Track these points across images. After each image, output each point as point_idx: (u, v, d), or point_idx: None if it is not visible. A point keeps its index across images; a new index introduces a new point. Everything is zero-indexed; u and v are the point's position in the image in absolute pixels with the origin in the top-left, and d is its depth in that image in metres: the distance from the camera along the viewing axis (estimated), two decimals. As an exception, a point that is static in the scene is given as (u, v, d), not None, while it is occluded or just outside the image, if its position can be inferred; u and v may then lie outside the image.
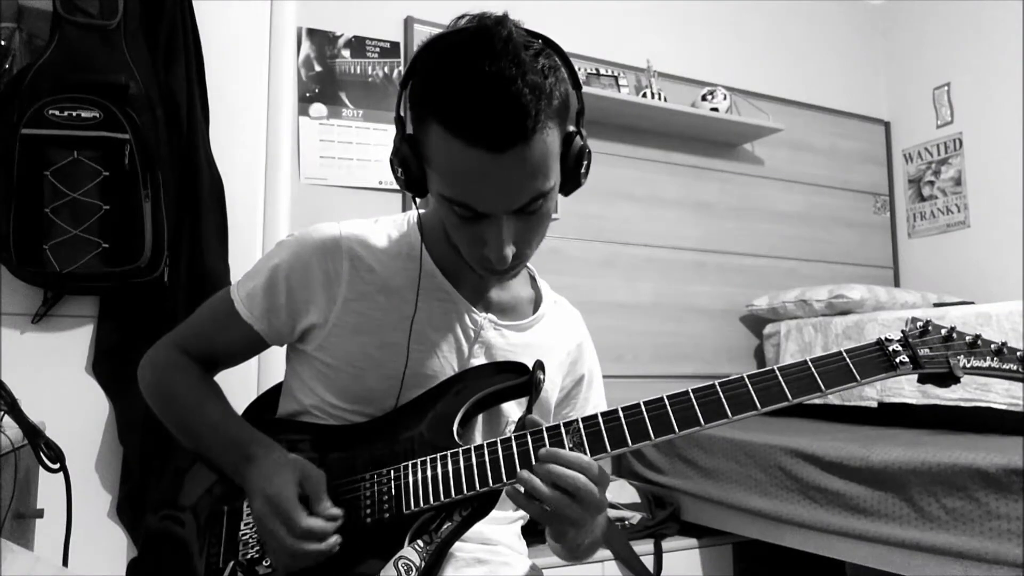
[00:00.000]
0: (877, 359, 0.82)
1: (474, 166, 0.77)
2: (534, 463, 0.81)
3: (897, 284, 3.27)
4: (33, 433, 1.10)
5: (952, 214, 3.12)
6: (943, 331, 0.83)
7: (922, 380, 0.84)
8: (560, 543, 0.90)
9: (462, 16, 0.82)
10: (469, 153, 0.76)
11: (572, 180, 0.87)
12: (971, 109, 3.07)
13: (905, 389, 2.18)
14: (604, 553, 2.05)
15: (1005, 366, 0.81)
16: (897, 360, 0.81)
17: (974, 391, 1.99)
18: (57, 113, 1.62)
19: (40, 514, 1.32)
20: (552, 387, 1.03)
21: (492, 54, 0.75)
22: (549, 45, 0.82)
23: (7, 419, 1.07)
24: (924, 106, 3.25)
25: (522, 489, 0.80)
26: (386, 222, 1.01)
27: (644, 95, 2.68)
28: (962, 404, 2.02)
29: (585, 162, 0.87)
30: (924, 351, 0.82)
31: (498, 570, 0.97)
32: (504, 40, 0.76)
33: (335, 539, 0.82)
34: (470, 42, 0.77)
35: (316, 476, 0.85)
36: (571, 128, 0.85)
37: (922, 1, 3.29)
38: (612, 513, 2.16)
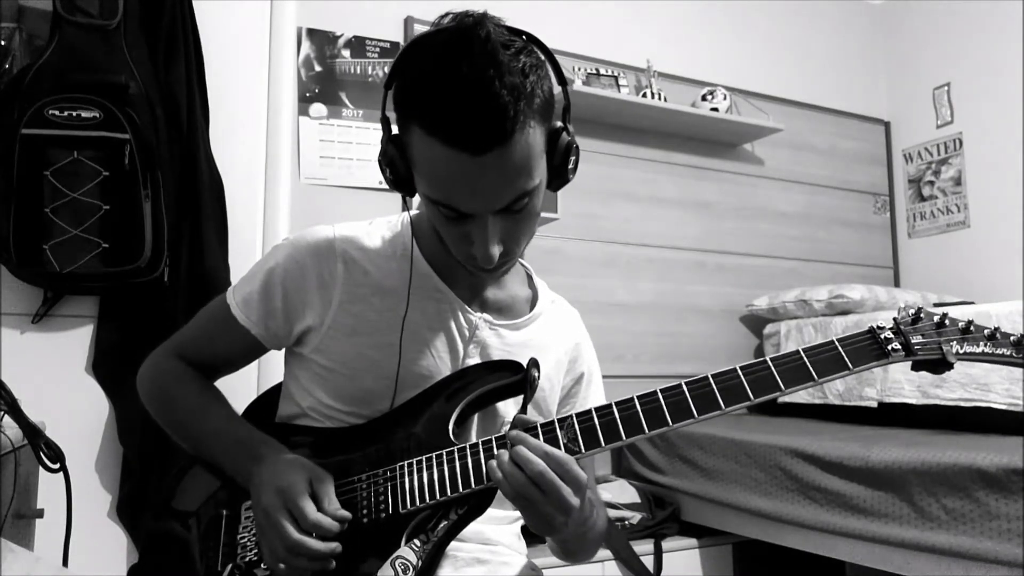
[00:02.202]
0: (869, 347, 0.81)
1: (455, 168, 0.77)
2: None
3: (897, 284, 3.27)
4: (33, 433, 1.10)
5: (952, 214, 3.12)
6: (935, 318, 0.82)
7: (915, 367, 0.83)
8: (541, 534, 0.90)
9: (446, 15, 0.82)
10: (449, 155, 0.76)
11: (560, 176, 0.87)
12: (971, 109, 3.07)
13: (905, 389, 2.18)
14: (604, 553, 2.05)
15: (999, 351, 0.80)
16: (889, 347, 0.80)
17: (974, 391, 1.99)
18: (57, 113, 1.62)
19: (40, 514, 1.32)
20: (551, 386, 1.03)
21: (470, 55, 0.75)
22: (532, 41, 0.82)
23: (7, 419, 1.07)
24: (924, 106, 3.25)
25: (499, 474, 0.78)
26: (380, 223, 1.01)
27: (644, 95, 2.68)
28: (962, 404, 2.02)
29: (572, 158, 0.87)
30: (916, 338, 0.81)
31: (497, 570, 0.97)
32: (482, 41, 0.76)
33: (335, 545, 0.80)
34: (449, 43, 0.77)
35: (325, 478, 0.85)
36: (557, 124, 0.84)
37: (922, 1, 3.29)
38: (612, 513, 2.16)
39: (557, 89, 0.84)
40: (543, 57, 0.82)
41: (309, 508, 0.80)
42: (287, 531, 0.79)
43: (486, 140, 0.75)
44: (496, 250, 0.83)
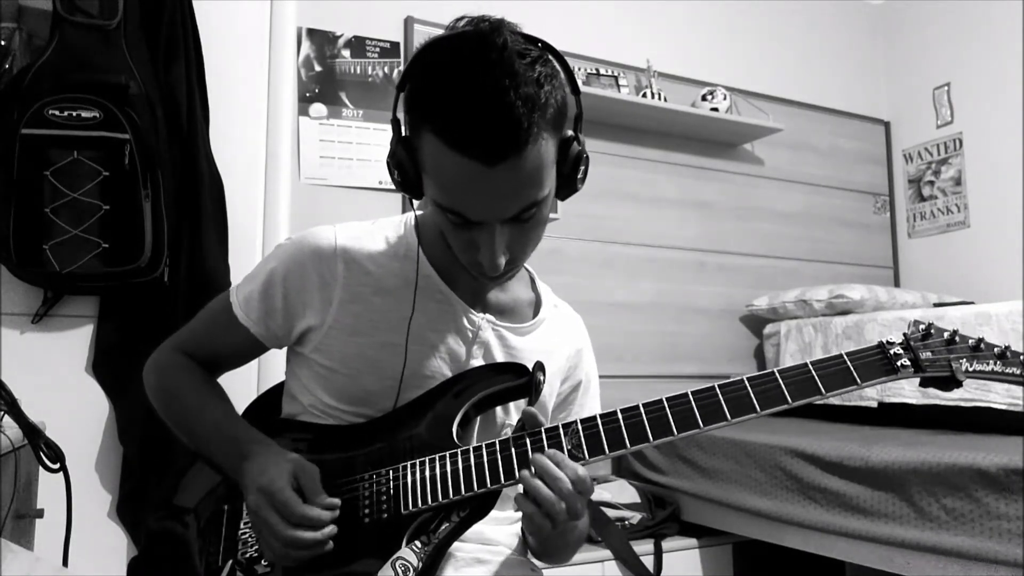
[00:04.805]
0: (878, 362, 0.81)
1: (466, 176, 0.77)
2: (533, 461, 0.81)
3: (897, 284, 3.27)
4: (33, 433, 1.10)
5: (952, 214, 3.12)
6: (945, 334, 0.82)
7: (924, 384, 0.83)
8: (533, 537, 0.90)
9: (461, 18, 0.82)
10: (461, 164, 0.76)
11: (569, 185, 0.87)
12: (971, 109, 3.06)
13: (905, 389, 2.18)
14: (604, 553, 2.05)
15: (1008, 370, 0.80)
16: (899, 363, 0.80)
17: (974, 391, 1.99)
18: (57, 113, 1.62)
19: (40, 514, 1.32)
20: (550, 392, 1.03)
21: (486, 64, 0.75)
22: (548, 50, 0.82)
23: (7, 419, 1.08)
24: (924, 106, 3.25)
25: (521, 489, 0.80)
26: (384, 224, 1.01)
27: (644, 95, 2.68)
28: (962, 404, 2.02)
29: (582, 167, 0.87)
30: (926, 354, 0.81)
31: (497, 570, 0.97)
32: (499, 49, 0.76)
33: (331, 529, 0.82)
34: (465, 50, 0.77)
35: (310, 470, 0.86)
36: (568, 133, 0.84)
37: (922, 1, 3.29)
38: (612, 513, 2.16)
39: (570, 97, 0.84)
40: (558, 66, 0.82)
41: (294, 503, 0.81)
42: (278, 528, 0.81)
43: (499, 151, 0.75)
44: (502, 259, 0.83)
